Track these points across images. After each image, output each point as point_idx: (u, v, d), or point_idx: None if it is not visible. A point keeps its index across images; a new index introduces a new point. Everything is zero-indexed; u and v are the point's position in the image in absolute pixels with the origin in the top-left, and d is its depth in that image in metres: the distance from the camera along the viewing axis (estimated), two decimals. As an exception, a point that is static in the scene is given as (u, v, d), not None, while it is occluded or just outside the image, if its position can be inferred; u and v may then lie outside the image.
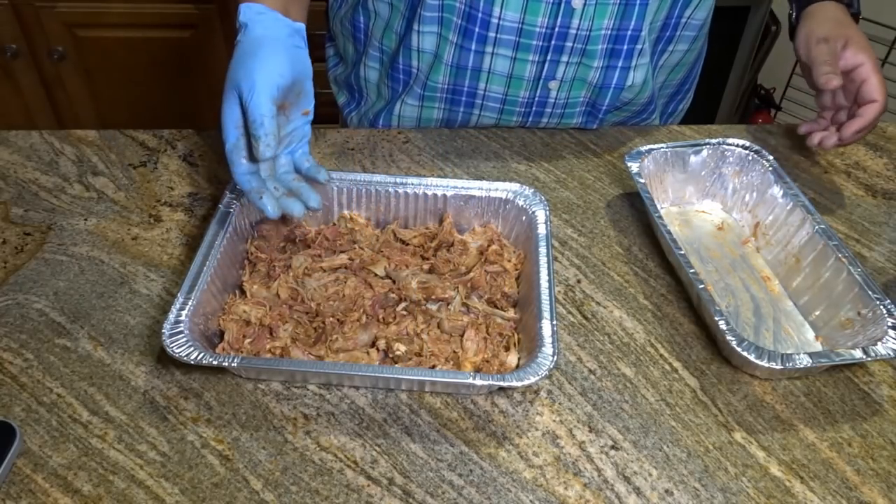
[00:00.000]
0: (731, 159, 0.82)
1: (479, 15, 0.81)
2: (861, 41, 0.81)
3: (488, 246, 0.73)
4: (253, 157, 0.65)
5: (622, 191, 0.85)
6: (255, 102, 0.61)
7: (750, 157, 0.81)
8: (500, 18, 0.81)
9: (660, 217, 0.73)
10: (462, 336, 0.64)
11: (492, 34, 0.82)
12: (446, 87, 0.89)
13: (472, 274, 0.70)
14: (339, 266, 0.71)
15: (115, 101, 1.73)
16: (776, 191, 0.77)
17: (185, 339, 0.58)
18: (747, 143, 0.81)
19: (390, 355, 0.63)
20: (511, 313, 0.68)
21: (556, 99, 0.89)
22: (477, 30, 0.82)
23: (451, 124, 0.95)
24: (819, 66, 0.79)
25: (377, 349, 0.63)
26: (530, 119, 0.92)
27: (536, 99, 0.89)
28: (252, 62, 0.63)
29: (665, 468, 0.58)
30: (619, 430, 0.60)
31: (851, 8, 0.86)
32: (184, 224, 0.77)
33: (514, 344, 0.65)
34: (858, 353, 0.60)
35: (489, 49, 0.84)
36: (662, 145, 0.81)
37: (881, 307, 0.64)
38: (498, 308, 0.68)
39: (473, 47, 0.84)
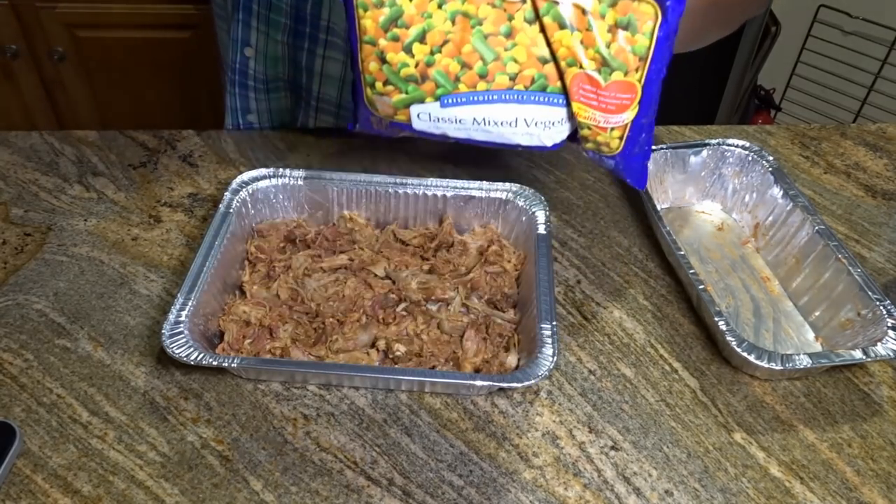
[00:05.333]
0: (731, 160, 0.82)
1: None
2: None
3: (488, 246, 0.73)
4: None
5: (622, 191, 0.85)
6: None
7: (750, 158, 0.81)
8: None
9: (660, 217, 0.73)
10: (462, 337, 0.64)
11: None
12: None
13: (471, 274, 0.70)
14: (339, 266, 0.71)
15: (115, 101, 1.73)
16: (776, 191, 0.77)
17: (184, 340, 0.58)
18: (747, 144, 0.81)
19: (390, 356, 0.63)
20: (511, 314, 0.68)
21: None
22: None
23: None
24: None
25: (377, 350, 0.63)
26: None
27: None
28: None
29: (665, 469, 0.58)
30: (619, 430, 0.60)
31: None
32: (184, 224, 0.77)
33: (514, 344, 0.65)
34: (858, 354, 0.60)
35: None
36: (662, 145, 0.81)
37: (881, 308, 0.64)
38: (498, 309, 0.68)
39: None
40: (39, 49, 1.61)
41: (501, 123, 0.50)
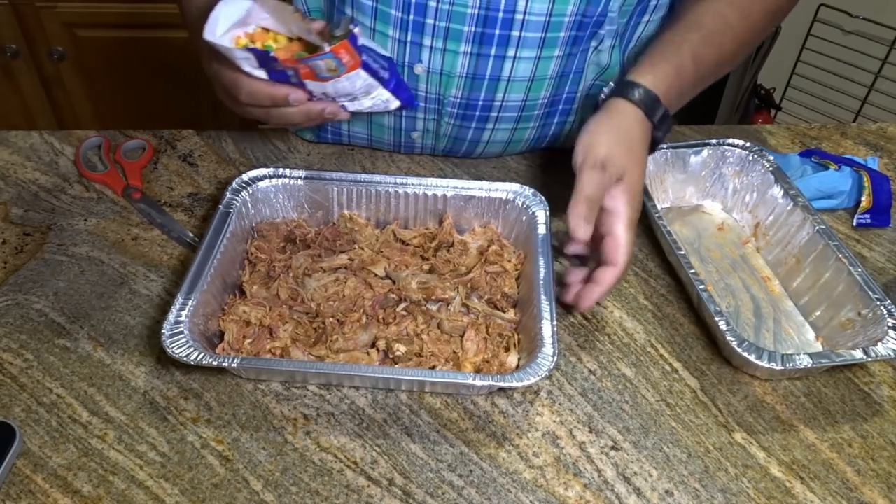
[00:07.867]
0: (731, 159, 0.81)
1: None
2: (633, 183, 0.66)
3: (488, 246, 0.73)
4: None
5: (622, 191, 0.85)
6: None
7: (750, 158, 0.81)
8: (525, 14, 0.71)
9: (660, 217, 0.73)
10: (462, 336, 0.64)
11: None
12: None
13: (472, 274, 0.70)
14: (339, 266, 0.70)
15: (115, 101, 1.73)
16: (776, 191, 0.77)
17: (184, 340, 0.58)
18: (747, 144, 0.81)
19: (390, 356, 0.63)
20: (511, 314, 0.68)
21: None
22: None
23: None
24: (575, 207, 0.65)
25: (377, 349, 0.63)
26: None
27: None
28: None
29: (665, 469, 0.58)
30: (620, 430, 0.60)
31: (657, 130, 0.70)
32: (184, 224, 0.77)
33: (514, 344, 0.65)
34: (859, 354, 0.60)
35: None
36: (662, 145, 0.81)
37: (881, 307, 0.64)
38: (498, 308, 0.68)
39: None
40: (39, 49, 1.61)
41: None
